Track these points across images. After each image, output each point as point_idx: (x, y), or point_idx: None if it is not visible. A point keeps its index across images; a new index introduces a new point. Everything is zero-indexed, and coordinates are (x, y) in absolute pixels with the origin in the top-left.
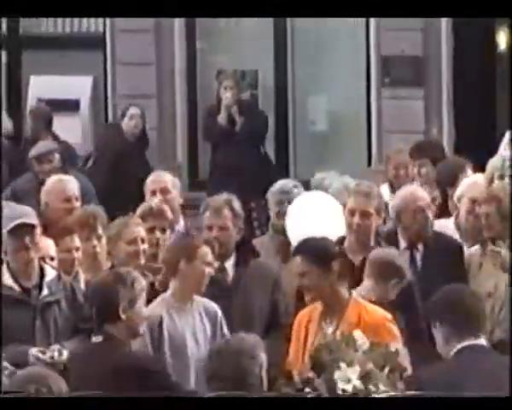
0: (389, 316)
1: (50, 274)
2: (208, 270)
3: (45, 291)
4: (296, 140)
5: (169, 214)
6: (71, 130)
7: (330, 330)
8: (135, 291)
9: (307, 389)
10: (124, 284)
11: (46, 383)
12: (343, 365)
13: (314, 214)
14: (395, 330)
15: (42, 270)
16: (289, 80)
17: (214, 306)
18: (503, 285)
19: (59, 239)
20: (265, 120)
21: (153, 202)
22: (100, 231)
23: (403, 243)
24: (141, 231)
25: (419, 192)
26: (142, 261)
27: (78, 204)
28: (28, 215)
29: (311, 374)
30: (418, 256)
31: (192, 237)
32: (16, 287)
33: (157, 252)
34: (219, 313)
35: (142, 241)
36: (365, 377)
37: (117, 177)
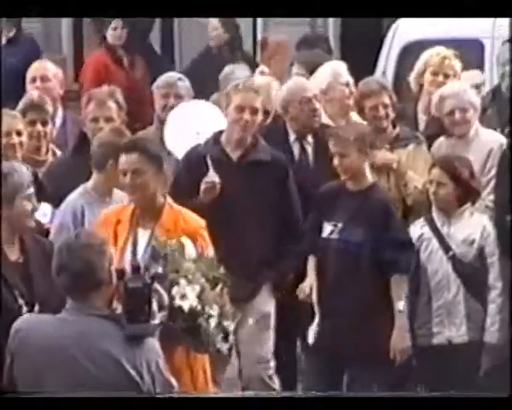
0: (203, 223)
1: None
2: None
3: None
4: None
5: (49, 107)
6: None
7: (163, 238)
8: (8, 188)
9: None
10: None
11: None
12: (182, 281)
13: (194, 124)
14: (207, 238)
15: None
16: None
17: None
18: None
19: None
20: None
21: (33, 94)
22: None
23: (292, 136)
24: (17, 124)
25: (306, 83)
26: (20, 154)
27: None
28: None
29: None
30: (309, 148)
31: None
32: None
33: (39, 144)
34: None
35: (19, 134)
36: (201, 296)
37: None
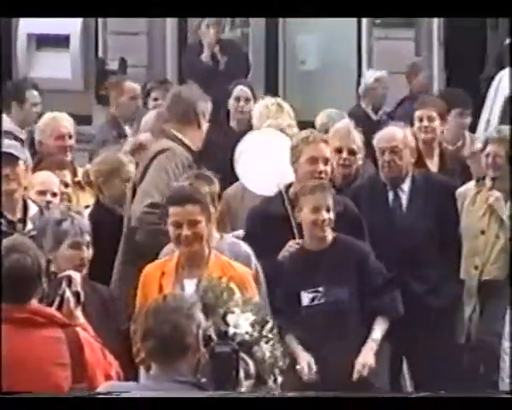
0: (250, 271)
1: (33, 209)
2: None
3: (29, 225)
4: (286, 79)
5: None
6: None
7: (216, 275)
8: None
9: None
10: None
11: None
12: (237, 310)
13: (266, 154)
14: (253, 284)
15: (26, 205)
16: (280, 20)
17: None
18: (496, 224)
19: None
20: (247, 58)
21: (138, 138)
22: None
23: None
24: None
25: (397, 132)
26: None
27: (71, 142)
28: (15, 148)
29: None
30: (403, 197)
31: None
32: (2, 220)
33: None
34: None
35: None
36: (254, 326)
37: None
